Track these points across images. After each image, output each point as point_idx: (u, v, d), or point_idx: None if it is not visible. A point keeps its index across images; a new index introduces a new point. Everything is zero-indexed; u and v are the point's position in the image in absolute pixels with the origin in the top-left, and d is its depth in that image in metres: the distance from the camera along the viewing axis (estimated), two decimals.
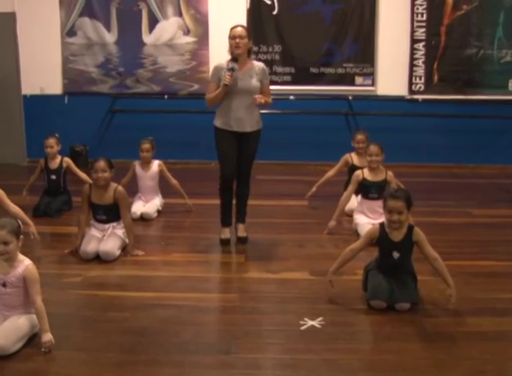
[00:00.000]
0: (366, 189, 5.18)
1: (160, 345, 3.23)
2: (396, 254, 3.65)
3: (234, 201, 4.97)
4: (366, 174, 5.20)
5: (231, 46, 4.61)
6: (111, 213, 4.68)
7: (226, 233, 4.92)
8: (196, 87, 8.25)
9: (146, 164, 5.86)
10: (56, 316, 3.40)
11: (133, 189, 5.82)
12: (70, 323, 3.53)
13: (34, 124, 8.42)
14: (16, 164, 8.34)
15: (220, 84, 4.58)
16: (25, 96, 8.55)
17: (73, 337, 3.33)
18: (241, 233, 4.97)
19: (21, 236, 3.21)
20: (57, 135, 5.99)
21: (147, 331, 3.37)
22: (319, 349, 3.18)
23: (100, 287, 4.05)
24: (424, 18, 8.10)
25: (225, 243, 4.87)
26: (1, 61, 8.41)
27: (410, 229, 3.67)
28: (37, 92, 8.48)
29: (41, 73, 8.40)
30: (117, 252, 4.59)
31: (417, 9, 8.08)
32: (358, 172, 5.26)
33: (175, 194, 5.89)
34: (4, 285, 3.16)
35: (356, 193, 5.41)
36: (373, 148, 5.14)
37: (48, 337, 3.13)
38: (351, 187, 5.27)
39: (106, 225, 4.69)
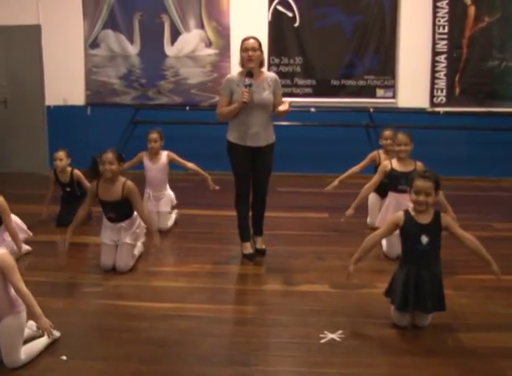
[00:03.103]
0: (395, 181, 4.87)
1: (178, 355, 3.23)
2: (425, 239, 3.44)
3: (250, 214, 4.95)
4: (395, 164, 4.92)
5: (243, 59, 4.54)
6: (120, 210, 4.56)
7: (248, 248, 4.89)
8: (217, 98, 8.26)
9: (154, 155, 5.73)
10: (76, 325, 3.43)
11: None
12: (90, 333, 3.54)
13: (57, 134, 8.52)
14: (38, 174, 8.43)
15: (233, 98, 4.55)
16: (48, 107, 8.67)
17: (92, 346, 3.35)
18: (259, 245, 4.97)
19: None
20: (67, 148, 5.90)
21: (166, 342, 3.38)
22: (338, 363, 3.16)
23: (120, 297, 4.06)
24: (446, 30, 8.07)
25: (248, 257, 4.84)
26: (26, 72, 8.57)
27: (437, 213, 3.51)
28: (60, 102, 8.60)
29: (65, 84, 8.51)
30: (131, 262, 4.60)
31: (439, 21, 8.05)
32: (386, 163, 5.00)
33: (194, 205, 5.89)
34: None
35: (381, 194, 5.26)
36: (402, 137, 4.86)
37: (44, 321, 3.03)
38: (376, 177, 5.00)
39: (117, 225, 4.58)
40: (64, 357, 3.16)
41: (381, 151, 5.75)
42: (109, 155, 4.50)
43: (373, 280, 4.16)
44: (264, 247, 4.96)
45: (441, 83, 8.18)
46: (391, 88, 8.27)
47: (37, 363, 3.10)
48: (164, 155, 5.78)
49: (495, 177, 8.14)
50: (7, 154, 8.69)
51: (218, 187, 5.60)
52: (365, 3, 8.12)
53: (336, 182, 5.67)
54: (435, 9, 8.04)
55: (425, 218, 3.48)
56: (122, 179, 4.57)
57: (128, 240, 4.58)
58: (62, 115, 8.54)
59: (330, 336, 3.45)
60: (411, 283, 3.46)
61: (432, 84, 8.20)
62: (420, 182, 3.45)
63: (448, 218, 3.53)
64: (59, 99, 8.59)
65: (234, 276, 4.63)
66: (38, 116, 8.68)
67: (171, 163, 5.81)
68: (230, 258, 4.91)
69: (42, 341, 3.22)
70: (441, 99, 8.22)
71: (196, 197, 6.69)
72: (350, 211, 4.95)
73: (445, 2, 8.02)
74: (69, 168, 5.87)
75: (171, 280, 4.42)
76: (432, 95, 8.23)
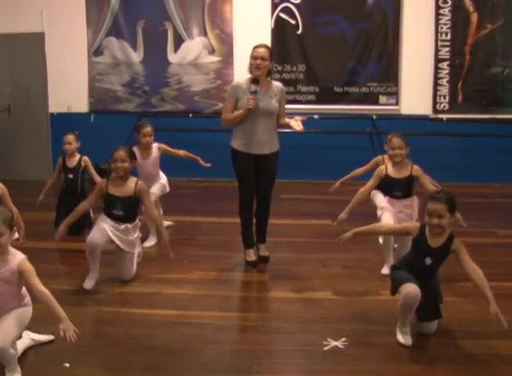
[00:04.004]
0: (390, 187, 4.79)
1: (182, 363, 3.22)
2: (428, 261, 3.40)
3: (254, 221, 4.94)
4: (390, 170, 4.80)
5: (251, 66, 4.56)
6: (129, 208, 4.39)
7: (251, 256, 4.88)
8: (220, 106, 8.28)
9: (146, 151, 5.49)
10: (80, 332, 3.41)
11: None
12: (93, 340, 3.53)
13: (60, 141, 8.41)
14: (41, 181, 8.39)
15: (238, 105, 4.57)
16: (52, 114, 8.71)
17: (95, 354, 3.34)
18: (263, 252, 4.96)
19: (14, 228, 3.00)
20: (77, 132, 5.94)
21: (169, 349, 3.37)
22: (341, 371, 3.15)
23: (123, 305, 4.07)
24: (448, 37, 8.09)
25: (252, 264, 4.84)
26: (30, 80, 8.62)
27: (450, 237, 3.41)
28: (64, 110, 8.63)
29: (68, 91, 8.55)
30: (134, 270, 4.55)
31: (441, 28, 8.07)
32: (381, 167, 4.92)
33: (198, 212, 5.88)
34: None
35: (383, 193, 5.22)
36: (396, 140, 4.75)
37: (69, 324, 2.91)
38: (371, 181, 4.87)
39: (121, 226, 4.37)
40: (67, 364, 3.16)
41: (386, 156, 5.63)
42: (122, 153, 4.42)
43: (378, 287, 4.15)
44: (267, 254, 4.96)
45: (444, 90, 8.19)
46: (394, 95, 8.28)
47: (40, 371, 3.10)
48: (155, 148, 5.59)
49: (499, 184, 8.13)
50: (10, 161, 8.72)
51: (209, 164, 5.63)
52: (368, 11, 8.15)
53: (338, 184, 5.56)
54: (438, 16, 8.06)
55: (437, 242, 3.39)
56: (134, 178, 4.52)
57: (132, 251, 4.49)
58: (65, 122, 8.54)
59: (333, 343, 3.44)
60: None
61: (435, 91, 8.21)
62: (431, 205, 3.32)
63: (459, 245, 3.40)
64: (63, 107, 8.62)
65: (238, 284, 4.62)
66: (42, 123, 8.72)
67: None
68: (234, 265, 4.90)
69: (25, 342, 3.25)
70: (444, 106, 8.22)
71: (199, 204, 6.70)
72: (343, 215, 4.70)
73: (447, 9, 8.04)
74: (78, 154, 5.89)
75: (174, 287, 4.41)
76: (435, 102, 8.24)
